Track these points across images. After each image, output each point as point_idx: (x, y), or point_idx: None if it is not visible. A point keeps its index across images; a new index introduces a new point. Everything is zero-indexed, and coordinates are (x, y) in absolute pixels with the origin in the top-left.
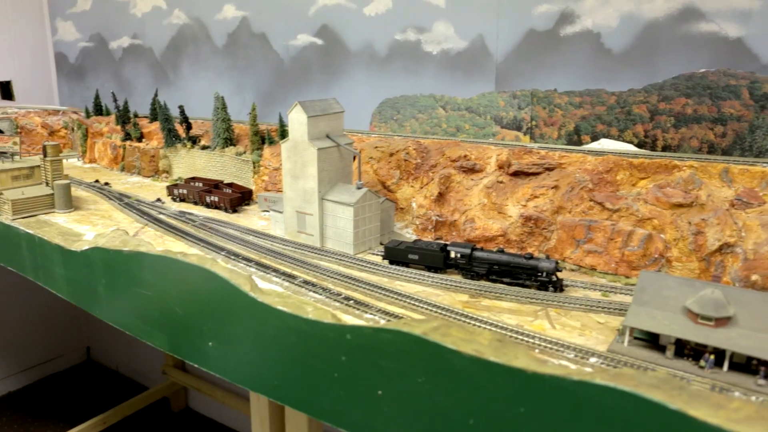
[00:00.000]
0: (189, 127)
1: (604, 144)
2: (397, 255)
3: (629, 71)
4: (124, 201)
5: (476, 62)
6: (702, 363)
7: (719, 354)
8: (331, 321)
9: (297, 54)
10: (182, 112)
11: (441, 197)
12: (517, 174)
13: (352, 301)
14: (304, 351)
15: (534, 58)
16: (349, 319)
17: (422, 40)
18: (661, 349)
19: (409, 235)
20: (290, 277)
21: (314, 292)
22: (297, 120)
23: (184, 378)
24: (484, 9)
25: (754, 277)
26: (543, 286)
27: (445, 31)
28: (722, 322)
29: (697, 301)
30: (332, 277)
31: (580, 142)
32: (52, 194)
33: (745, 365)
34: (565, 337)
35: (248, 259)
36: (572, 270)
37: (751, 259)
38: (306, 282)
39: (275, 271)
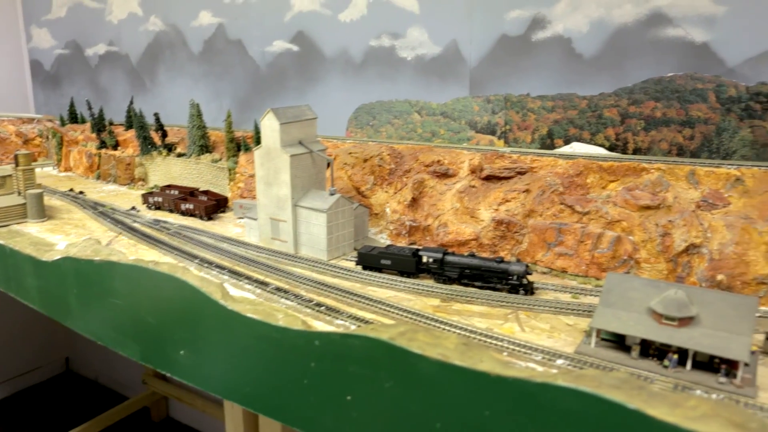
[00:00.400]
0: (164, 134)
1: (576, 147)
2: (370, 260)
3: (600, 75)
4: (99, 210)
5: (450, 67)
6: (666, 362)
7: (683, 353)
8: (301, 328)
9: (273, 60)
10: (157, 119)
11: (414, 202)
12: (489, 178)
13: (323, 308)
14: (275, 358)
15: (507, 63)
16: (320, 325)
17: (397, 46)
18: (627, 349)
19: (384, 240)
20: (262, 284)
21: (286, 299)
22: (269, 127)
23: (164, 387)
24: (457, 15)
25: (719, 277)
26: (514, 290)
27: (420, 36)
28: (685, 322)
29: (661, 301)
30: (305, 284)
31: (553, 146)
32: (25, 204)
33: (708, 364)
34: (533, 339)
35: (221, 267)
36: (544, 273)
37: (717, 259)
38: (278, 289)
39: (248, 278)
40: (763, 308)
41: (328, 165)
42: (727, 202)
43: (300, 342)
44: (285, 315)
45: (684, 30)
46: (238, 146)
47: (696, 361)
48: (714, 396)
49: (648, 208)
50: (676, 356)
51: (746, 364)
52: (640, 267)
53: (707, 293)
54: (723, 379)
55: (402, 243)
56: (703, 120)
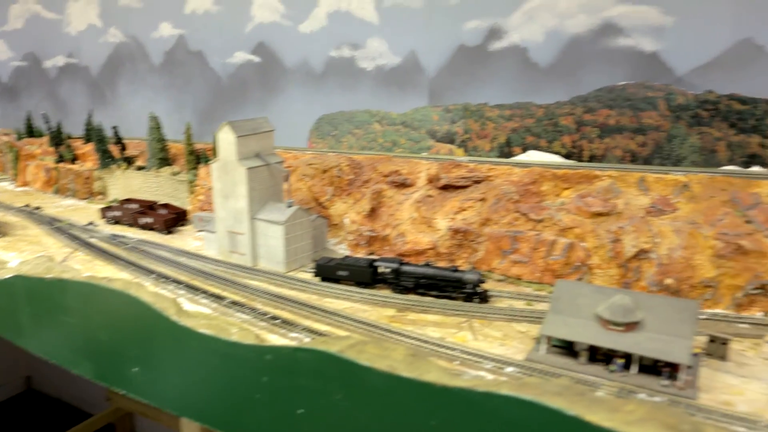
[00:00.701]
0: (123, 147)
1: (532, 155)
2: (328, 272)
3: (556, 84)
4: (55, 225)
5: (410, 77)
6: (612, 367)
7: (630, 357)
8: (254, 342)
9: (234, 71)
10: (116, 132)
11: (373, 212)
12: (446, 187)
13: (278, 321)
14: (227, 373)
15: (465, 72)
16: (275, 338)
17: (357, 57)
18: (577, 355)
19: (343, 251)
20: (218, 298)
21: (242, 312)
22: (226, 140)
23: (129, 403)
24: (416, 26)
25: (668, 281)
26: (468, 298)
27: (379, 47)
28: (631, 326)
29: (607, 307)
30: (261, 297)
31: (511, 154)
32: None
33: (653, 367)
34: (485, 347)
35: (178, 282)
36: (499, 280)
37: (666, 263)
38: (234, 303)
39: (204, 292)
40: (709, 311)
41: (286, 177)
42: (675, 208)
43: (252, 356)
44: (239, 329)
45: (635, 40)
46: (198, 159)
47: (642, 364)
48: (657, 399)
49: (600, 214)
50: (622, 361)
51: (689, 367)
52: (592, 273)
53: (652, 298)
54: (666, 382)
55: (361, 253)
56: (654, 127)
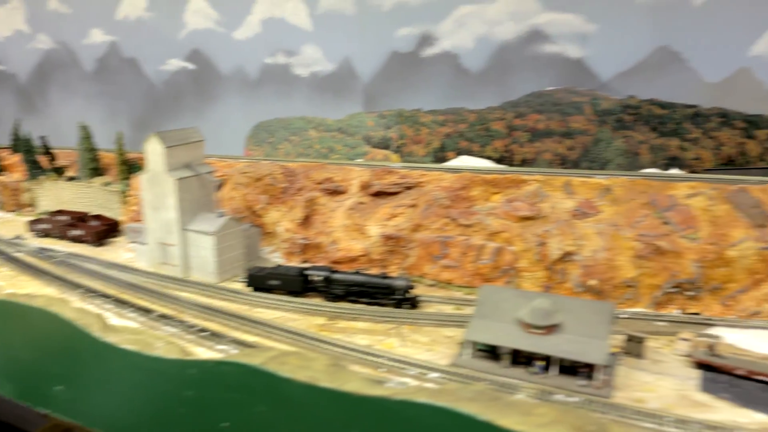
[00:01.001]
0: (52, 158)
1: (464, 160)
2: (260, 281)
3: (487, 90)
4: None
5: (345, 84)
6: (533, 369)
7: (550, 359)
8: (178, 356)
9: (169, 79)
10: (44, 142)
11: (307, 220)
12: (378, 194)
13: (207, 333)
14: (152, 389)
15: (399, 78)
16: (202, 351)
17: (292, 64)
18: (500, 358)
19: (278, 259)
20: (146, 311)
21: (170, 325)
22: (154, 151)
23: (66, 419)
24: (350, 32)
25: (592, 282)
26: (398, 304)
27: (314, 54)
28: (551, 329)
29: (528, 311)
30: (191, 309)
31: (445, 159)
32: None
33: (572, 368)
34: (412, 353)
35: (106, 296)
36: (431, 285)
37: (589, 265)
38: (162, 316)
39: (132, 306)
40: (630, 309)
41: (217, 187)
42: (599, 211)
43: (176, 371)
44: (166, 343)
45: (561, 46)
46: (131, 168)
47: (563, 365)
48: (574, 399)
49: (527, 218)
50: (542, 363)
51: (606, 366)
52: (521, 276)
53: (571, 301)
54: (583, 382)
55: (295, 262)
56: (581, 131)
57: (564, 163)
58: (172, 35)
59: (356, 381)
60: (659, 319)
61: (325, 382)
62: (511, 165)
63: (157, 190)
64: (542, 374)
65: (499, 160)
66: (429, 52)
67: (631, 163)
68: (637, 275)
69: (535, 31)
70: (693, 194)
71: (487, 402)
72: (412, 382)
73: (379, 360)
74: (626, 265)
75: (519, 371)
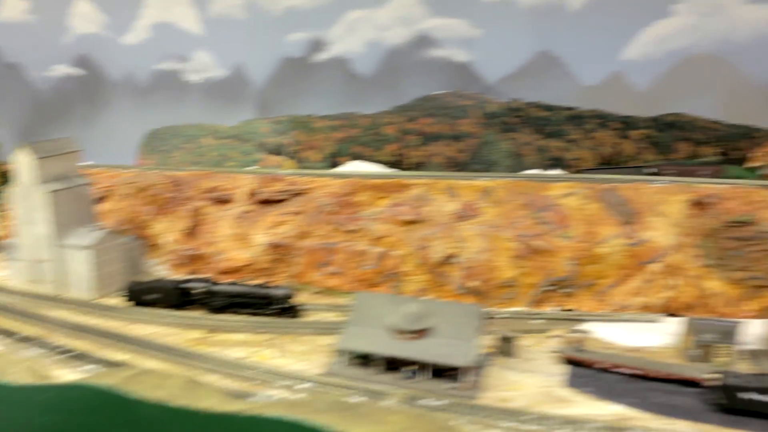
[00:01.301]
0: None
1: (354, 166)
2: (139, 295)
3: (379, 94)
4: None
5: (238, 90)
6: (404, 375)
7: (421, 363)
8: (34, 381)
9: (55, 85)
10: None
11: (193, 231)
12: (266, 202)
13: (72, 354)
14: (4, 417)
15: (291, 84)
16: (63, 373)
17: (184, 69)
18: (374, 365)
19: (164, 272)
20: (9, 334)
21: (34, 347)
22: (25, 163)
23: None
24: (241, 38)
25: (473, 284)
26: (279, 314)
27: (206, 59)
28: (421, 333)
29: (400, 316)
30: (61, 328)
31: (339, 164)
32: None
33: (445, 371)
34: (286, 364)
35: None
36: (317, 293)
37: (470, 267)
38: (26, 338)
39: None
40: (509, 309)
41: (95, 199)
42: (480, 213)
43: (28, 397)
44: (25, 368)
45: (448, 51)
46: (7, 180)
47: (435, 368)
48: (442, 402)
49: (411, 222)
50: (413, 368)
51: (475, 368)
52: (405, 280)
53: (442, 304)
54: (450, 385)
55: (182, 274)
56: (470, 134)
57: (455, 165)
58: (57, 40)
59: (214, 397)
60: (536, 317)
61: (181, 400)
62: (404, 169)
63: (29, 204)
64: (413, 379)
65: (392, 164)
66: (320, 57)
67: (518, 164)
68: (515, 275)
69: (423, 36)
70: (568, 194)
71: (341, 412)
72: (280, 394)
73: (249, 373)
74: (505, 265)
75: (391, 377)
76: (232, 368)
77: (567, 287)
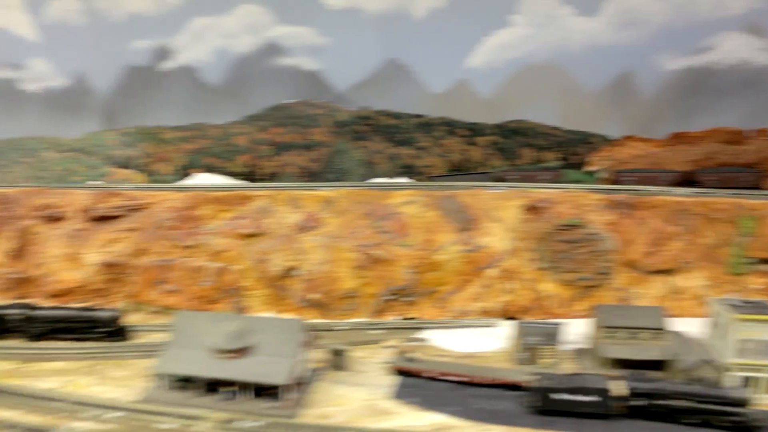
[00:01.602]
0: None
1: (201, 178)
2: None
3: (229, 104)
4: None
5: (81, 100)
6: (223, 396)
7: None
8: None
9: None
10: None
11: (21, 252)
12: (101, 219)
13: None
14: None
15: (138, 94)
16: None
17: (20, 78)
18: (194, 387)
19: None
20: None
21: None
22: None
23: None
24: (81, 45)
25: (315, 296)
26: (105, 337)
27: (44, 68)
28: (242, 352)
29: (220, 336)
30: None
31: (190, 176)
32: None
33: (267, 389)
34: (103, 392)
35: None
36: (155, 312)
37: (311, 279)
38: None
39: None
40: (352, 320)
41: None
42: (323, 223)
43: None
44: None
45: (297, 59)
46: None
47: (258, 388)
48: (260, 423)
49: (251, 235)
50: (233, 388)
51: (299, 385)
52: (246, 295)
53: (264, 320)
54: (270, 404)
55: (8, 299)
56: (322, 143)
57: (308, 175)
58: None
59: None
60: (376, 328)
61: None
62: (258, 179)
63: None
64: (233, 400)
65: (245, 175)
66: (167, 66)
67: (371, 172)
68: (357, 286)
69: (271, 44)
70: (408, 202)
71: None
72: (85, 427)
73: (60, 405)
74: (346, 276)
75: (211, 399)
76: (38, 401)
77: (408, 296)
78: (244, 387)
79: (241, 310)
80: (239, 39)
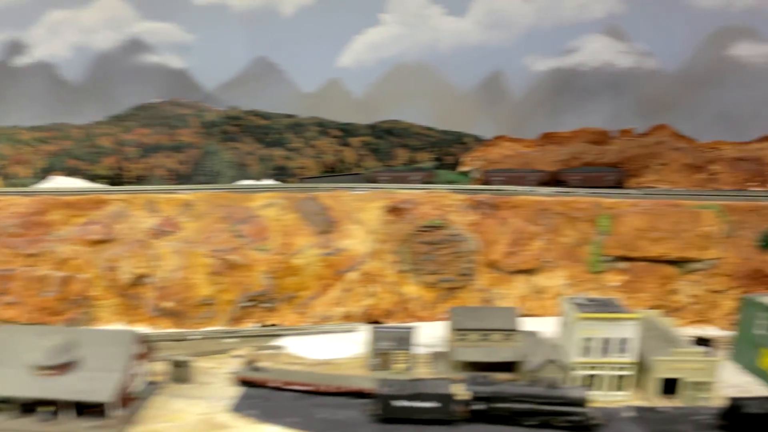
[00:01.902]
0: None
1: (56, 182)
2: None
3: (91, 103)
4: None
5: None
6: (42, 416)
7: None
8: None
9: None
10: None
11: None
12: None
13: None
14: None
15: None
16: None
17: None
18: (10, 408)
19: None
20: None
21: None
22: None
23: None
24: None
25: (168, 304)
26: None
27: None
28: (65, 368)
29: (41, 351)
30: None
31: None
32: None
33: (91, 407)
34: None
35: None
36: None
37: (165, 286)
38: None
39: None
40: (208, 328)
41: None
42: (180, 228)
43: None
44: None
45: (163, 57)
46: None
47: (81, 405)
48: None
49: (101, 242)
50: (51, 408)
51: (126, 401)
52: (95, 305)
53: (91, 333)
54: (94, 423)
55: None
56: (190, 144)
57: (178, 177)
58: None
59: None
60: (231, 336)
61: None
62: (125, 183)
63: None
64: (52, 420)
65: (111, 178)
66: (22, 61)
67: (242, 174)
68: (213, 292)
69: (134, 41)
70: (267, 205)
71: None
72: None
73: None
74: (202, 282)
75: (28, 421)
76: None
77: (267, 302)
78: (65, 406)
79: (76, 322)
80: (100, 34)
